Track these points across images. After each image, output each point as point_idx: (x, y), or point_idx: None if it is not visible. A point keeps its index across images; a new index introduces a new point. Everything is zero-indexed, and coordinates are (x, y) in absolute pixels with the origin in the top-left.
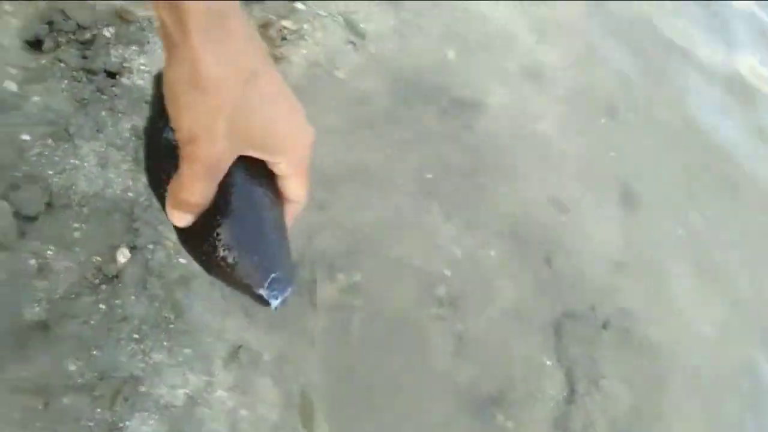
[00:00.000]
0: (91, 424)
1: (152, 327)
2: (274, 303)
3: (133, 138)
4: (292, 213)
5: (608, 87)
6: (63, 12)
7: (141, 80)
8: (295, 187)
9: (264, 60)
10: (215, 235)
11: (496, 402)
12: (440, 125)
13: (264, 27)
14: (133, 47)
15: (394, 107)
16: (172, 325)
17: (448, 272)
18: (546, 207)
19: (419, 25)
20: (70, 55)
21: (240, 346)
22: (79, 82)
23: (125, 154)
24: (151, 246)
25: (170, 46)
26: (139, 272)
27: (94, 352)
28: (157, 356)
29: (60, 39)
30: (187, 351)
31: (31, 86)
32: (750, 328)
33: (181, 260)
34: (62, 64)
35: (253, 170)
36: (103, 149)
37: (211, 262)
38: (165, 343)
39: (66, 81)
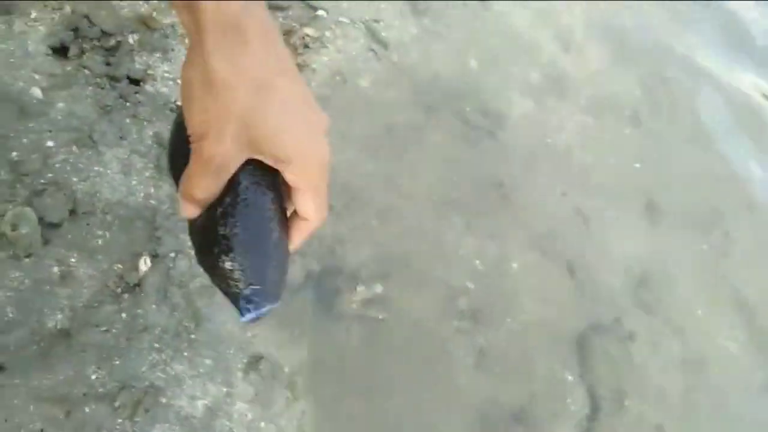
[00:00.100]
0: None
1: (173, 337)
2: (246, 316)
3: (156, 145)
4: (302, 230)
5: (632, 97)
6: (88, 19)
7: (164, 87)
8: (305, 202)
9: (284, 69)
10: (216, 231)
11: (517, 417)
12: (463, 135)
13: (286, 35)
14: (157, 54)
15: (417, 116)
16: (192, 335)
17: (470, 284)
18: (569, 218)
19: (441, 33)
20: (95, 61)
21: (260, 358)
22: (102, 89)
23: (147, 161)
24: (172, 254)
25: (190, 44)
26: (160, 281)
27: (116, 362)
28: (178, 366)
29: (85, 45)
30: (207, 361)
31: (56, 93)
32: None
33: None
34: (87, 71)
35: (267, 179)
36: (126, 156)
37: (205, 257)
38: (185, 353)
39: (90, 88)
